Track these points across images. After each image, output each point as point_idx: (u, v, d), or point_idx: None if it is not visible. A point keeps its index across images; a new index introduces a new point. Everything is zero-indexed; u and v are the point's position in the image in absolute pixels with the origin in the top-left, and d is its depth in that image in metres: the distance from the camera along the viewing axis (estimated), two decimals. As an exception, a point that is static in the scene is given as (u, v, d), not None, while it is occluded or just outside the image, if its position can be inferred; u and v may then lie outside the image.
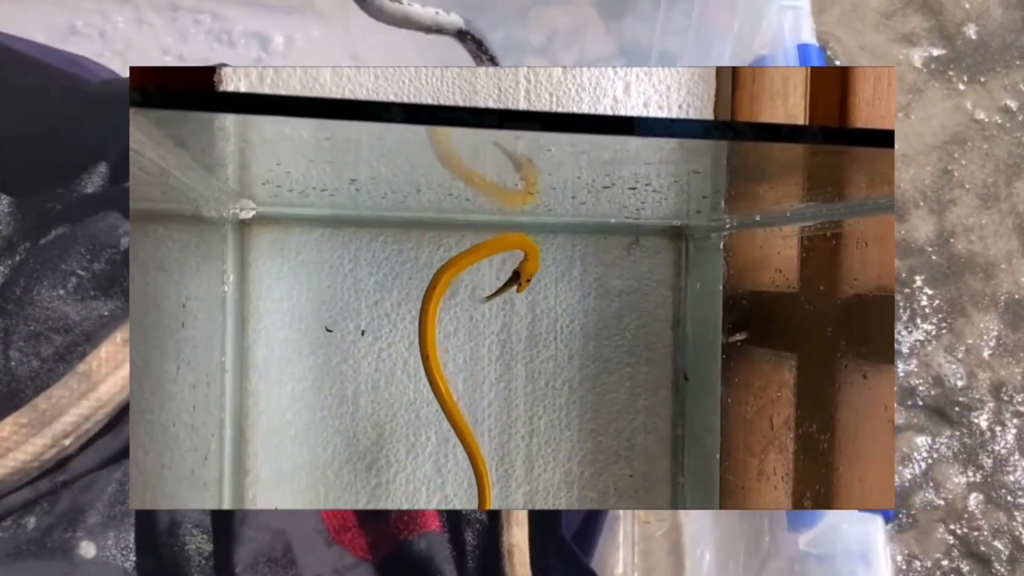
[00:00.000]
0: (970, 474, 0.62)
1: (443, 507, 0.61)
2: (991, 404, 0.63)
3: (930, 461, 0.62)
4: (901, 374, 0.64)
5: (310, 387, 0.60)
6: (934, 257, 0.68)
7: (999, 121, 0.72)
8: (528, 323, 0.63)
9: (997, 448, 0.62)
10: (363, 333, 0.60)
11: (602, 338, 0.64)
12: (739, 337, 0.60)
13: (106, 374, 0.44)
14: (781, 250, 0.57)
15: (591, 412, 0.64)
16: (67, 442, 0.43)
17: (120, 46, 0.65)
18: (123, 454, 0.45)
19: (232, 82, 0.55)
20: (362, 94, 0.56)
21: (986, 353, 0.65)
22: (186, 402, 0.49)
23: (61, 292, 0.45)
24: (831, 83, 0.59)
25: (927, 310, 0.66)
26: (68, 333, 0.44)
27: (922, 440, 0.62)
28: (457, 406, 0.50)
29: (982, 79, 0.73)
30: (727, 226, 0.61)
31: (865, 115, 0.58)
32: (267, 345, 0.59)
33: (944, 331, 0.66)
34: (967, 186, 0.70)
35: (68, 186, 0.47)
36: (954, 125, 0.72)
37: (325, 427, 0.60)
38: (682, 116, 0.59)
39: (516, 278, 0.51)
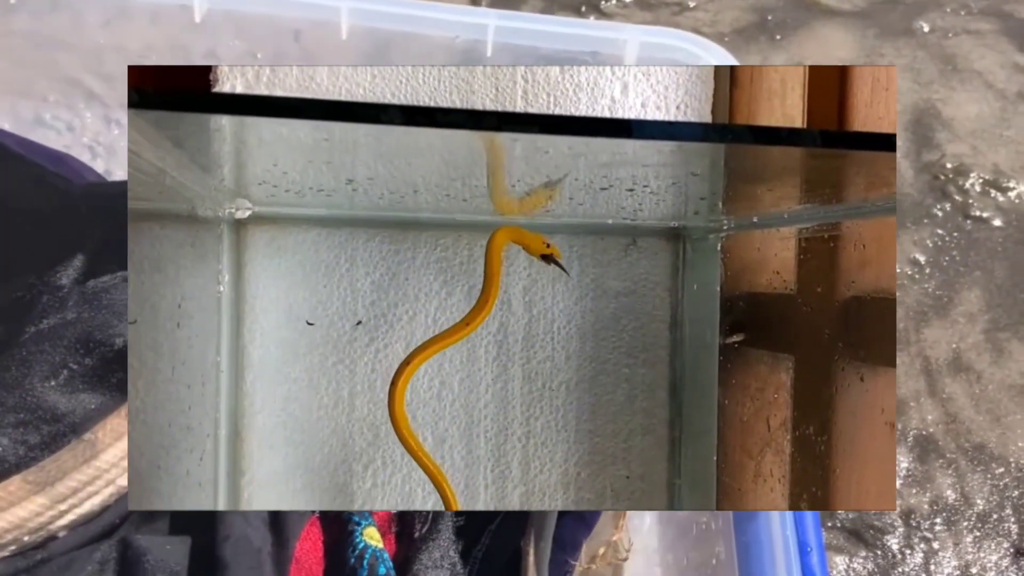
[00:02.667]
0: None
1: (440, 508, 0.61)
2: (902, 529, 0.70)
3: (846, 579, 0.70)
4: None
5: (306, 387, 0.60)
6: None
7: (909, 272, 0.79)
8: (525, 324, 0.63)
9: (906, 570, 0.69)
10: (359, 323, 0.60)
11: (599, 339, 0.64)
12: (736, 339, 0.60)
13: (108, 444, 0.45)
14: (779, 252, 0.57)
15: (588, 413, 0.64)
16: (63, 506, 0.44)
17: (88, 139, 0.64)
18: (103, 536, 0.45)
19: (228, 81, 0.55)
20: (359, 93, 0.56)
21: (897, 483, 0.72)
22: (181, 402, 0.49)
23: (52, 383, 0.45)
24: (829, 84, 0.59)
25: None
26: (56, 423, 0.45)
27: (840, 559, 0.69)
28: (408, 421, 0.51)
29: (895, 234, 0.81)
30: (725, 228, 0.61)
31: (863, 116, 0.58)
32: (263, 345, 0.59)
33: (860, 462, 0.73)
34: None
35: (42, 278, 0.48)
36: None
37: (321, 428, 0.60)
38: (680, 116, 0.59)
39: (548, 259, 0.52)
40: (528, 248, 0.52)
